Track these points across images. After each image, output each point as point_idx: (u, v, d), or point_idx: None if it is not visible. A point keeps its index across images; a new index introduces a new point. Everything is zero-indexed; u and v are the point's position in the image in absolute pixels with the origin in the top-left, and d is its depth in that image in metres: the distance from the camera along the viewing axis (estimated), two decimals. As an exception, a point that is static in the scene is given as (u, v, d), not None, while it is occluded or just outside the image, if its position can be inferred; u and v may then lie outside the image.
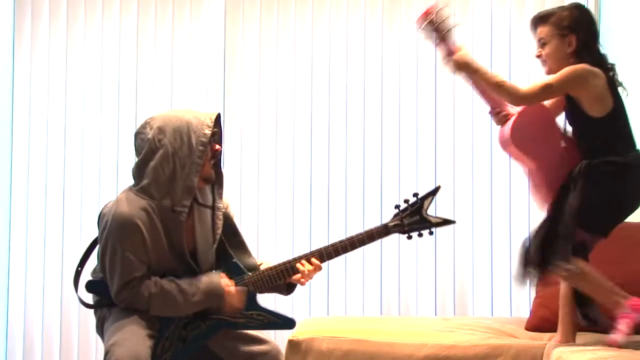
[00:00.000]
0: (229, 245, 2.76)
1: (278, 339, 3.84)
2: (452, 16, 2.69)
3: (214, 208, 2.71)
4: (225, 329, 2.70)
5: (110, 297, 2.63)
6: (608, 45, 3.58)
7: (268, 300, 3.89)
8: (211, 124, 2.60)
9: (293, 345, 2.79)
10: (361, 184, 4.01)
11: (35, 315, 3.98)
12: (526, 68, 3.97)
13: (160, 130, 2.57)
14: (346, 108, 4.02)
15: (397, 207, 2.74)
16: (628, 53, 3.56)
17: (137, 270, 2.56)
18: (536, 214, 3.91)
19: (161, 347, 2.61)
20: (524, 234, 3.88)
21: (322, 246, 2.74)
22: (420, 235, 2.74)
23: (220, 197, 2.74)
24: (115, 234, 2.55)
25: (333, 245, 2.72)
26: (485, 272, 3.97)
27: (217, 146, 2.67)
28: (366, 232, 2.73)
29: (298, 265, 2.69)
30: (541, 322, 3.04)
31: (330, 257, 2.72)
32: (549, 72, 2.62)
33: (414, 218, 2.72)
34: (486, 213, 3.97)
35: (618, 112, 2.53)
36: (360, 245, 2.72)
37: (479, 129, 3.98)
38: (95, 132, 4.01)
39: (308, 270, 2.69)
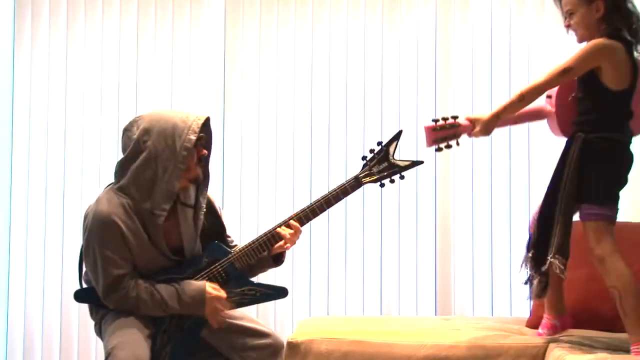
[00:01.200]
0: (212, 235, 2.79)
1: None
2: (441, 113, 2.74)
3: (196, 207, 2.72)
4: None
5: (101, 303, 2.64)
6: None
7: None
8: (197, 130, 2.59)
9: (292, 346, 2.78)
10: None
11: (35, 315, 3.98)
12: (526, 68, 3.97)
13: (146, 131, 2.57)
14: (346, 108, 4.02)
15: (364, 158, 2.76)
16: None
17: (120, 268, 2.56)
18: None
19: (160, 340, 2.63)
20: (524, 234, 3.93)
21: (298, 210, 2.75)
22: (392, 181, 2.75)
23: (204, 197, 2.75)
24: (95, 233, 2.56)
25: (309, 206, 2.73)
26: (485, 272, 3.97)
27: (204, 150, 2.67)
28: (339, 187, 2.74)
29: (279, 230, 2.70)
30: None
31: (308, 218, 2.73)
32: (581, 40, 2.60)
33: (382, 165, 2.74)
34: (486, 213, 3.97)
35: (632, 91, 2.53)
36: (335, 202, 2.73)
37: (479, 129, 3.98)
38: (95, 132, 4.01)
39: (290, 234, 2.70)
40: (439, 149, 2.68)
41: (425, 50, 4.01)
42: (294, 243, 2.75)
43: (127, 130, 2.64)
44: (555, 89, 2.68)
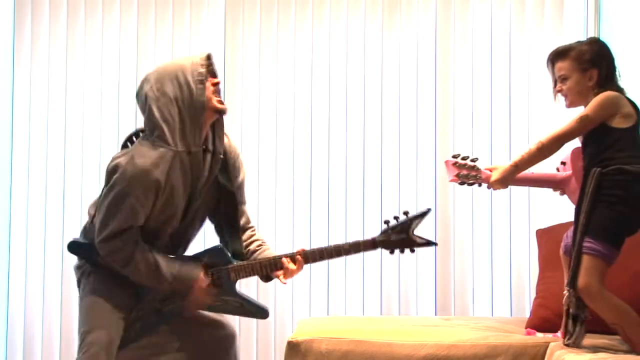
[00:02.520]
0: (227, 220, 2.81)
1: (278, 338, 3.89)
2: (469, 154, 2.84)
3: (214, 152, 2.75)
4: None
5: (91, 261, 2.67)
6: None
7: (267, 301, 3.92)
8: (204, 62, 2.66)
9: (292, 346, 2.78)
10: (361, 185, 4.01)
11: (35, 315, 3.98)
12: (526, 70, 3.97)
13: (158, 80, 2.64)
14: (346, 109, 4.02)
15: (386, 222, 2.79)
16: (628, 54, 3.55)
17: (137, 222, 2.59)
18: (536, 213, 3.93)
19: (134, 314, 2.67)
20: (524, 234, 3.94)
21: (308, 248, 2.79)
22: (402, 252, 2.79)
23: (221, 141, 2.77)
24: (130, 181, 2.56)
25: (319, 249, 2.76)
26: (485, 272, 3.97)
27: (216, 79, 2.70)
28: (353, 243, 2.77)
29: (283, 260, 2.73)
30: (541, 322, 3.04)
31: (314, 260, 2.76)
32: (570, 106, 2.69)
33: (400, 236, 2.76)
34: (486, 213, 3.97)
35: (638, 124, 2.59)
36: (345, 255, 2.77)
37: (478, 130, 3.99)
38: (95, 132, 4.01)
39: (291, 269, 2.73)
40: (461, 183, 2.79)
41: (426, 52, 4.01)
42: (292, 277, 2.77)
43: (139, 93, 2.69)
44: (569, 155, 2.75)
